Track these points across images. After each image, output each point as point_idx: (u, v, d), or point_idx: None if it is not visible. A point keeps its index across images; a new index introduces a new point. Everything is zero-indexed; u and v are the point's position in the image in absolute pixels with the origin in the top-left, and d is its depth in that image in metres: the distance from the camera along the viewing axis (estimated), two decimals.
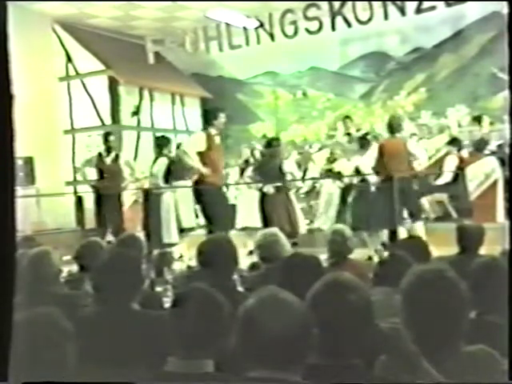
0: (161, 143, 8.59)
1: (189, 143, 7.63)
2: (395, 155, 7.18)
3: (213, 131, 7.25)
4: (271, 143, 8.09)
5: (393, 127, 7.43)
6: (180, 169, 8.63)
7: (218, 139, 7.34)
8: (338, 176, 8.20)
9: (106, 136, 8.70)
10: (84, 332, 2.20)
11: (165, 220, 8.19)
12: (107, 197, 8.42)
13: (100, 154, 8.60)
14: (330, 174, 8.39)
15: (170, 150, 8.52)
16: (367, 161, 7.45)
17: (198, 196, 7.41)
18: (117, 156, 8.63)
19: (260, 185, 7.78)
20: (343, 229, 4.48)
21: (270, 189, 7.64)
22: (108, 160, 8.49)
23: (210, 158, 7.16)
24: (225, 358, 1.90)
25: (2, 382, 1.20)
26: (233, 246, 3.41)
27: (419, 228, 7.17)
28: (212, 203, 7.15)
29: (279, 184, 7.66)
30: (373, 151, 7.43)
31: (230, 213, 7.66)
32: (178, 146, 9.34)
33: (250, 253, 8.06)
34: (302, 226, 8.14)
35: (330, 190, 8.66)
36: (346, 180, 8.31)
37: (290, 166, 8.27)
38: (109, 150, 8.54)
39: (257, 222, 7.89)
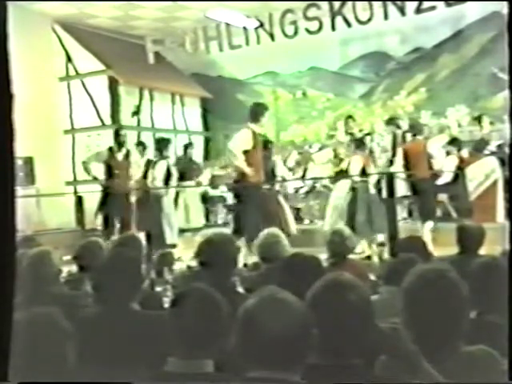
0: (161, 145, 8.55)
1: (236, 141, 7.10)
2: (417, 157, 7.46)
3: (257, 129, 6.90)
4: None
5: (415, 130, 7.79)
6: (187, 169, 8.60)
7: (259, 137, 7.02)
8: (347, 176, 8.14)
9: (117, 131, 8.43)
10: (84, 332, 2.20)
11: (165, 221, 8.17)
12: (115, 195, 8.14)
13: (111, 149, 8.31)
14: (343, 175, 8.29)
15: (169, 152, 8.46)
16: (396, 168, 7.58)
17: (237, 196, 7.10)
18: (128, 152, 8.36)
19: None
20: (342, 229, 4.48)
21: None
22: (119, 156, 8.21)
23: (253, 157, 6.81)
24: (225, 358, 1.90)
25: (2, 381, 1.20)
26: (234, 245, 3.39)
27: (427, 228, 7.22)
28: (253, 204, 6.80)
29: (269, 186, 7.55)
30: (399, 157, 7.55)
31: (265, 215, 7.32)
32: (187, 147, 9.24)
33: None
34: (293, 228, 8.07)
35: (340, 192, 8.53)
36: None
37: (281, 168, 8.22)
38: (120, 146, 8.24)
39: None
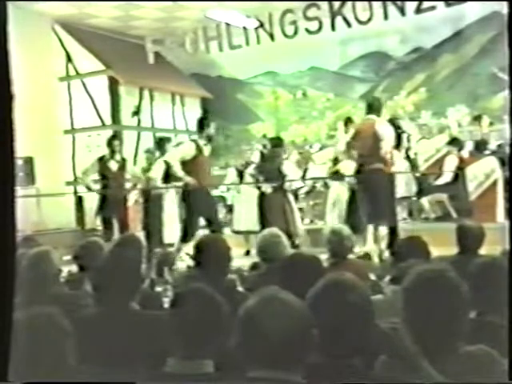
0: (160, 145, 8.51)
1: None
2: (365, 138, 6.67)
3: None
4: (275, 143, 8.06)
5: (371, 107, 6.90)
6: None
7: None
8: (341, 176, 8.15)
9: (111, 140, 8.30)
10: (84, 332, 2.20)
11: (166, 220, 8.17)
12: (112, 199, 8.13)
13: (101, 159, 8.15)
14: (337, 175, 8.29)
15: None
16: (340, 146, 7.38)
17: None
18: (123, 160, 8.27)
19: (259, 184, 7.75)
20: (342, 228, 4.46)
21: (268, 189, 7.63)
22: (112, 164, 8.10)
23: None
24: (225, 358, 1.90)
25: (2, 382, 1.19)
26: (226, 244, 3.43)
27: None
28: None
29: (276, 184, 7.61)
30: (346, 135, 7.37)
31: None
32: (178, 145, 9.22)
33: (247, 253, 8.08)
34: (300, 227, 8.11)
35: (337, 191, 8.56)
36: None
37: (288, 167, 8.24)
38: (113, 154, 8.11)
39: (254, 225, 7.84)
